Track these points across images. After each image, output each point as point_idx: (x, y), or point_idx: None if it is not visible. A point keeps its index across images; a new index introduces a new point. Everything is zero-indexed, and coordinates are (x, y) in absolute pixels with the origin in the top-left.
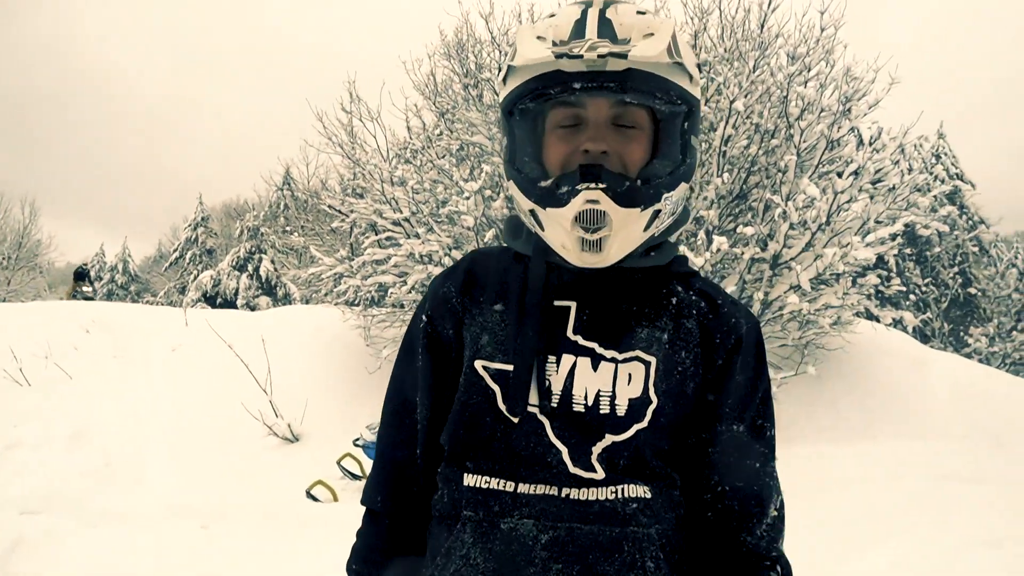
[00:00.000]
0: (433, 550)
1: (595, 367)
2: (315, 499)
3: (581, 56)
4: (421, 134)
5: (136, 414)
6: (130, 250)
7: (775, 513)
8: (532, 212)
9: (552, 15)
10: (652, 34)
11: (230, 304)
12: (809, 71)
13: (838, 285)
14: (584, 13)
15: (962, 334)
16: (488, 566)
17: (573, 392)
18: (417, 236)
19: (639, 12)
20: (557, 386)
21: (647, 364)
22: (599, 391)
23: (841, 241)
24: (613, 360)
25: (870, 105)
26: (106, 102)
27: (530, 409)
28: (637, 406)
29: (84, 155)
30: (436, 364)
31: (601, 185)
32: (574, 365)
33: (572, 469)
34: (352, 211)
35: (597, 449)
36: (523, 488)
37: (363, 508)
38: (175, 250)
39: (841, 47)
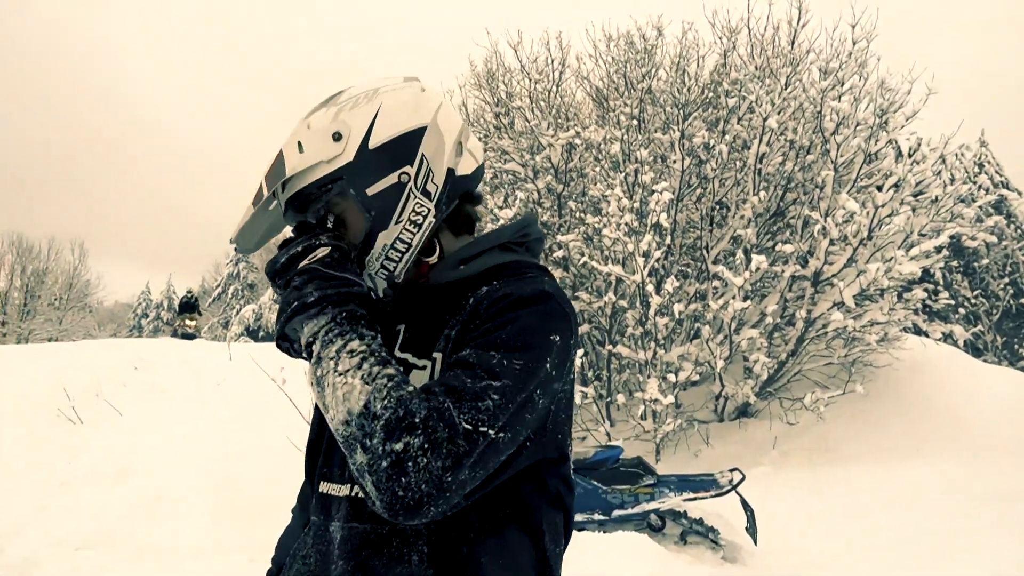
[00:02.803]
0: None
1: (407, 375)
2: None
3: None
4: None
5: (182, 449)
6: (175, 287)
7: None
8: None
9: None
10: (300, 142)
11: (272, 337)
12: (842, 85)
13: (883, 301)
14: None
15: (1016, 346)
16: (317, 566)
17: None
18: None
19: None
20: None
21: (434, 361)
22: None
23: (884, 255)
24: (424, 367)
25: (907, 117)
26: (155, 147)
27: None
28: None
29: (132, 197)
30: None
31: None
32: None
33: None
34: None
35: None
36: (343, 490)
37: None
38: (218, 286)
39: (875, 59)
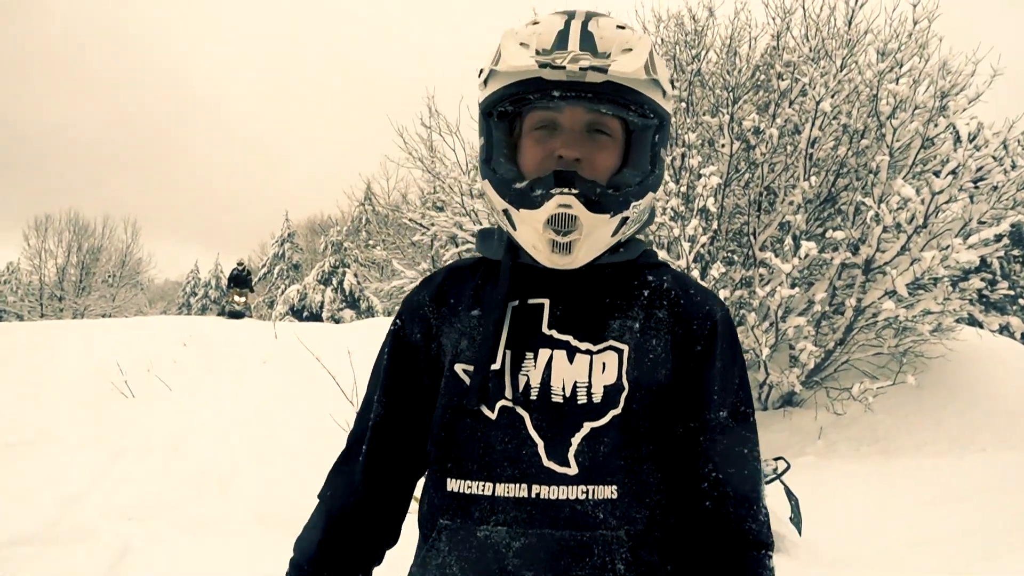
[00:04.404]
0: (415, 559)
1: (571, 359)
2: None
3: (563, 67)
4: None
5: (229, 425)
6: (222, 266)
7: (765, 499)
8: (505, 212)
9: (535, 23)
10: (631, 49)
11: (315, 317)
12: (901, 67)
13: (937, 290)
14: (567, 24)
15: None
16: (464, 575)
17: (552, 384)
18: None
19: (619, 26)
20: (535, 379)
21: (620, 352)
22: (576, 382)
23: (940, 243)
24: (588, 352)
25: (970, 99)
26: (207, 130)
27: (507, 404)
28: (612, 392)
29: (182, 178)
30: (396, 362)
31: (574, 191)
32: (551, 358)
33: (546, 463)
34: (432, 224)
35: (576, 440)
36: (500, 490)
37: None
38: (263, 265)
39: (936, 40)
